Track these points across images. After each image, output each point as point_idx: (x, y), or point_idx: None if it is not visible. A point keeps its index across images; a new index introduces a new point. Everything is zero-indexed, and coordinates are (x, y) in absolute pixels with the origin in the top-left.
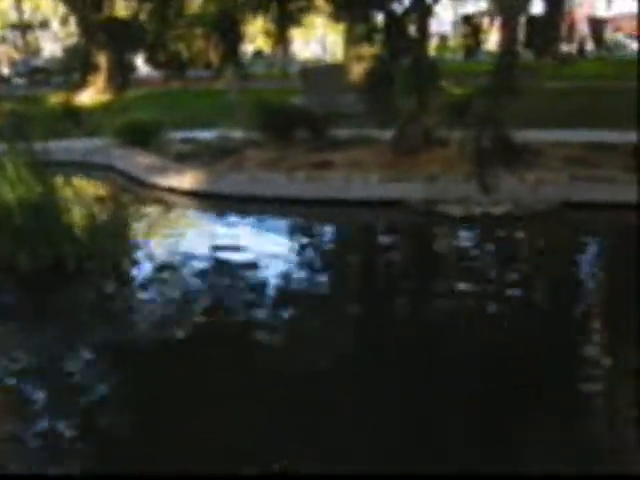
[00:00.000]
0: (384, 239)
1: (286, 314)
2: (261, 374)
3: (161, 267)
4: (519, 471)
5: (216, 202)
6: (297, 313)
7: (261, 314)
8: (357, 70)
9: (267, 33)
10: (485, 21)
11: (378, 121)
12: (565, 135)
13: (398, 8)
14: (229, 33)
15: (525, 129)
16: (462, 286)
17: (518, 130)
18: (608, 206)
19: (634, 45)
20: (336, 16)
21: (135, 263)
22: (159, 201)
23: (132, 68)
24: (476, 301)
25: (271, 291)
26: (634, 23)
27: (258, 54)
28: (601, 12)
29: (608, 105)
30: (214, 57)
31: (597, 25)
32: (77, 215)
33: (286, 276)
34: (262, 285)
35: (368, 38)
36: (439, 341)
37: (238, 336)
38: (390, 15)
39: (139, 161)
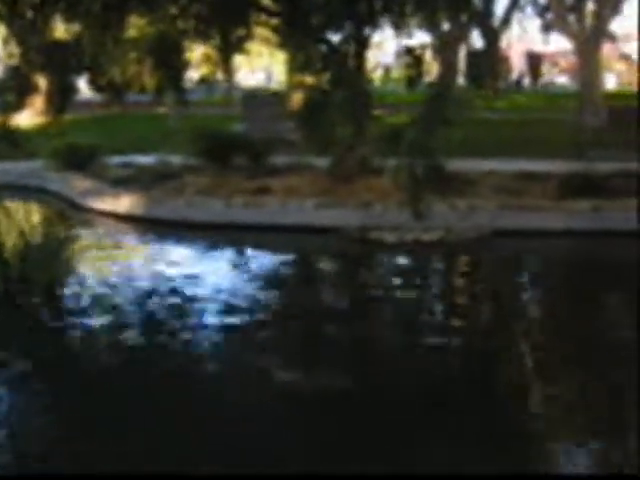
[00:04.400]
0: (312, 266)
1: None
2: None
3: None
4: None
5: (152, 227)
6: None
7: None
8: (297, 98)
9: (208, 59)
10: (427, 53)
11: (315, 149)
12: (496, 164)
13: (337, 38)
14: (170, 59)
15: (459, 158)
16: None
17: (452, 159)
18: (535, 233)
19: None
20: (280, 44)
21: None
22: (94, 225)
23: (73, 91)
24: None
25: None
26: (570, 59)
27: (203, 81)
28: (539, 47)
29: (537, 136)
30: (149, 82)
31: (535, 60)
32: (8, 238)
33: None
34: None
35: (307, 67)
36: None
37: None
38: (328, 45)
39: (75, 184)
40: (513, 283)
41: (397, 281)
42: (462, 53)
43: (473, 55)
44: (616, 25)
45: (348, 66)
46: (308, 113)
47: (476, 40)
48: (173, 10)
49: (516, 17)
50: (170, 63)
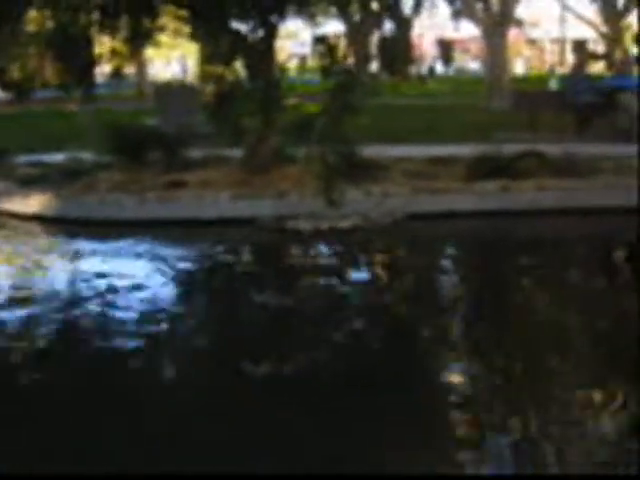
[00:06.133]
0: (230, 257)
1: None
2: None
3: None
4: None
5: (64, 226)
6: None
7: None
8: (209, 90)
9: (114, 52)
10: (341, 41)
11: (226, 141)
12: (409, 150)
13: (244, 28)
14: (73, 53)
15: (372, 145)
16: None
17: (365, 146)
18: (447, 215)
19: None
20: (190, 36)
21: None
22: (1, 227)
23: None
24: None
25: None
26: (480, 45)
27: (115, 75)
28: (450, 34)
29: (448, 120)
30: (52, 77)
31: (446, 46)
32: None
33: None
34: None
35: (216, 57)
36: None
37: None
38: (235, 34)
39: None
40: (427, 263)
41: (315, 267)
42: (376, 41)
43: (385, 43)
44: (523, 11)
45: (257, 55)
46: (217, 104)
47: (389, 28)
48: (75, 1)
49: (427, 4)
50: (73, 57)
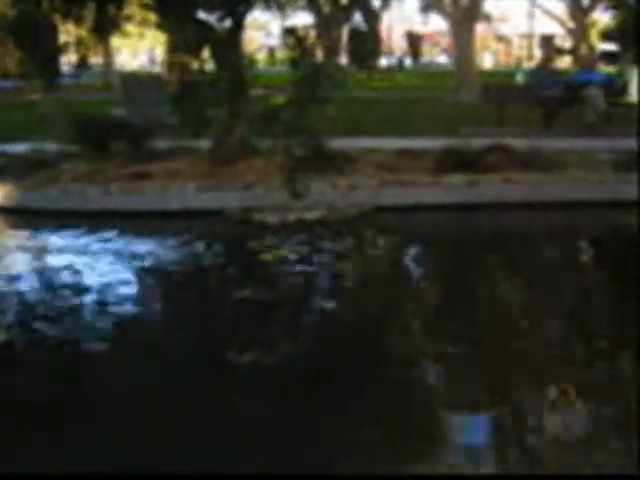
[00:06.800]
0: (197, 249)
1: None
2: None
3: None
4: None
5: (26, 218)
6: None
7: None
8: (172, 79)
9: (80, 42)
10: (311, 33)
11: (190, 131)
12: (377, 142)
13: (211, 18)
14: (35, 42)
15: (341, 137)
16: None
17: (333, 138)
18: (414, 208)
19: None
20: (157, 25)
21: None
22: None
23: None
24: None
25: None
26: (448, 39)
27: (82, 64)
28: (419, 28)
29: (417, 114)
30: (13, 67)
31: (415, 40)
32: None
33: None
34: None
35: (182, 47)
36: None
37: None
38: (202, 24)
39: None
40: (391, 255)
41: (281, 259)
42: (345, 33)
43: (354, 35)
44: (492, 6)
45: (223, 46)
46: (180, 94)
47: (359, 21)
48: None
49: None
50: (37, 46)
